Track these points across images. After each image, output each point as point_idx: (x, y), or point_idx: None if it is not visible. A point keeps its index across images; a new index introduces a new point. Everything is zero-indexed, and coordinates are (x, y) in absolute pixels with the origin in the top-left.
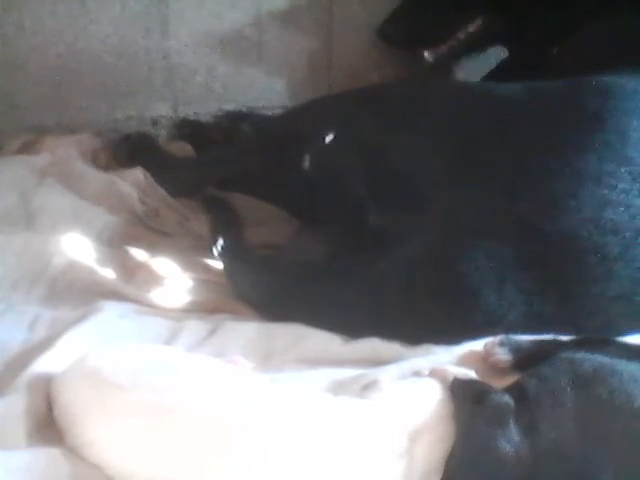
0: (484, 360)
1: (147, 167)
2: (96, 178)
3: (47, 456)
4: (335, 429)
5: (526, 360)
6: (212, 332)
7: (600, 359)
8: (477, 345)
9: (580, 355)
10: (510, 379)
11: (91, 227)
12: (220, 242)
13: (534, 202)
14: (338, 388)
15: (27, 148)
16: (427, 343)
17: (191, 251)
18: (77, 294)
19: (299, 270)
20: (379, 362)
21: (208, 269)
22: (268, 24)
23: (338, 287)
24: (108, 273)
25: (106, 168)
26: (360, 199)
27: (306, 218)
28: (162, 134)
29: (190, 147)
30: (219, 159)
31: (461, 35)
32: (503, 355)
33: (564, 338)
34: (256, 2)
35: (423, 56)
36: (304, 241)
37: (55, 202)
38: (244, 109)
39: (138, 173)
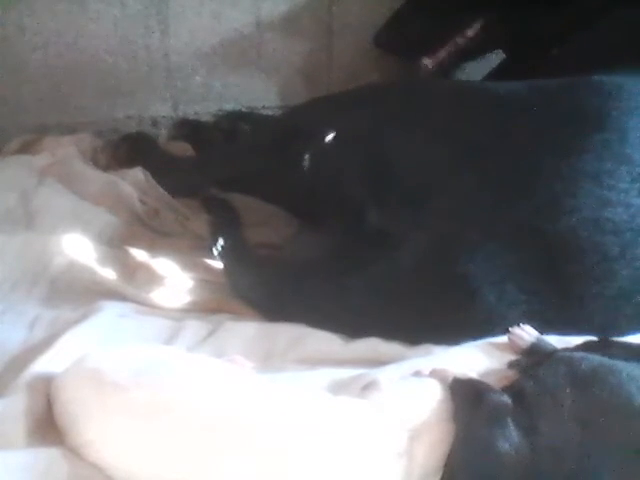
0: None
1: (147, 167)
2: (96, 178)
3: (47, 456)
4: (335, 429)
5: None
6: (212, 332)
7: (599, 359)
8: (477, 345)
9: (579, 355)
10: (509, 379)
11: (91, 227)
12: (220, 242)
13: (534, 202)
14: (338, 388)
15: (27, 148)
16: (427, 343)
17: (191, 251)
18: (77, 294)
19: (299, 270)
20: (379, 362)
21: (208, 269)
22: (268, 24)
23: (338, 287)
24: (108, 273)
25: (106, 168)
26: (360, 199)
27: (306, 218)
28: (162, 134)
29: (190, 147)
30: (219, 159)
31: (460, 40)
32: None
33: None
34: (256, 2)
35: (422, 63)
36: (304, 241)
37: (55, 202)
38: (244, 109)
39: (138, 173)
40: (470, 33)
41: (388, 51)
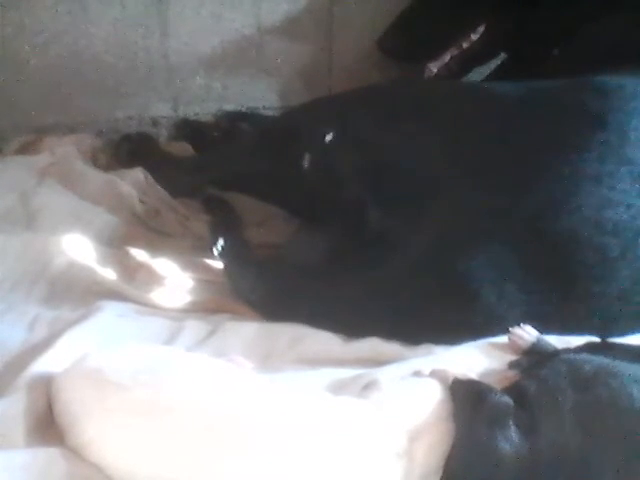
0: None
1: (147, 167)
2: (96, 178)
3: (47, 456)
4: (335, 429)
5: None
6: (212, 332)
7: (600, 361)
8: (477, 345)
9: (580, 357)
10: (510, 379)
11: (91, 227)
12: (220, 242)
13: (534, 202)
14: (338, 388)
15: (27, 148)
16: (427, 343)
17: (191, 251)
18: (77, 294)
19: (299, 270)
20: (379, 362)
21: (208, 269)
22: (268, 25)
23: (338, 287)
24: (108, 273)
25: (106, 168)
26: (360, 199)
27: (306, 218)
28: (162, 134)
29: (190, 147)
30: (219, 159)
31: (465, 44)
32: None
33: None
34: (256, 2)
35: (427, 67)
36: (304, 241)
37: (55, 202)
38: (244, 109)
39: (138, 173)
40: (475, 37)
41: (392, 56)
